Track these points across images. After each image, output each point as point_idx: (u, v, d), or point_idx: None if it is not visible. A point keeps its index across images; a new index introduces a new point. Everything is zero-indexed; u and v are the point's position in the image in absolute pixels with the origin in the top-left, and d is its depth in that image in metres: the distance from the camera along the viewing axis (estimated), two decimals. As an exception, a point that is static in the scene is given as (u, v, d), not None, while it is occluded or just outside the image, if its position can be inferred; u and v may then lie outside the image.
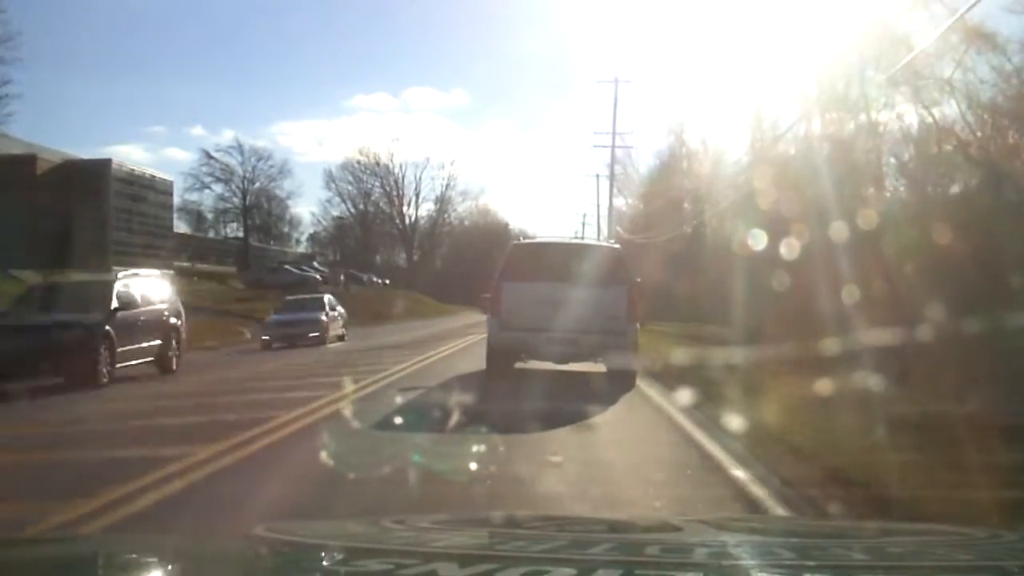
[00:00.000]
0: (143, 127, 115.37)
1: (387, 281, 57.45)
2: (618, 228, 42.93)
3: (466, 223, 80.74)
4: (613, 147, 40.44)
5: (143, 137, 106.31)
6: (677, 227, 35.96)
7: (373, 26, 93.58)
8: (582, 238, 64.11)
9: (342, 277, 45.32)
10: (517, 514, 2.90)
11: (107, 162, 46.00)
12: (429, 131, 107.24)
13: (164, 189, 52.85)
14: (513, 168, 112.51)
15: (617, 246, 15.24)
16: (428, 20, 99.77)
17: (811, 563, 1.55)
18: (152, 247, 49.56)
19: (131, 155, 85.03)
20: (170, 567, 1.59)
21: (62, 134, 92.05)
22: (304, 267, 44.15)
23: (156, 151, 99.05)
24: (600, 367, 12.77)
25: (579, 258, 13.02)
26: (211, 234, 69.19)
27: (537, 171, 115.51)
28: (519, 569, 1.39)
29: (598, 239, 57.31)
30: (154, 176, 52.27)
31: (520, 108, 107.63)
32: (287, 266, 44.42)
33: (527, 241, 16.52)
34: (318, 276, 42.15)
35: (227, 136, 62.60)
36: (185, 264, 63.99)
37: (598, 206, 56.25)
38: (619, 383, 11.55)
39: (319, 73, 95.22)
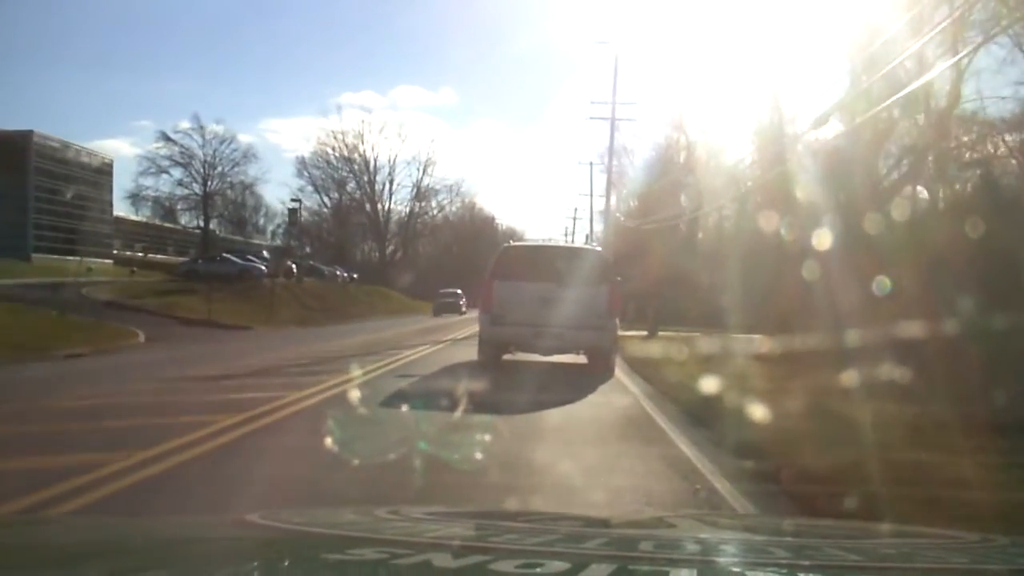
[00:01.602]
0: (130, 121, 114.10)
1: (355, 275, 51.68)
2: (618, 215, 37.86)
3: (450, 218, 75.65)
4: (613, 119, 34.84)
5: (131, 131, 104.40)
6: (674, 223, 33.28)
7: (361, 24, 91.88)
8: (572, 234, 61.97)
9: (293, 268, 39.51)
10: (511, 508, 3.25)
11: (28, 134, 40.24)
12: (417, 129, 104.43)
13: (102, 168, 47.12)
14: (502, 165, 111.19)
15: (599, 248, 16.67)
16: (416, 18, 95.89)
17: (805, 562, 1.53)
18: (85, 233, 43.89)
19: (119, 149, 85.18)
20: (162, 553, 1.54)
21: (48, 128, 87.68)
22: (249, 256, 38.44)
23: (143, 145, 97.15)
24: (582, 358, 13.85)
25: (564, 259, 13.95)
26: (183, 224, 63.89)
27: (526, 168, 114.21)
28: (513, 561, 1.33)
29: (590, 231, 54.71)
30: (91, 153, 46.59)
31: (509, 106, 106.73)
32: (226, 255, 38.63)
33: (517, 244, 17.59)
34: (263, 267, 36.39)
35: (214, 131, 60.97)
36: (138, 254, 58.56)
37: (591, 195, 52.91)
38: (600, 372, 12.76)
39: (307, 71, 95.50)
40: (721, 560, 1.58)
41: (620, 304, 14.48)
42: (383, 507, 2.01)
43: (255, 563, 1.49)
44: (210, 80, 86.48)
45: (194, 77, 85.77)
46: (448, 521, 2.00)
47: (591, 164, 52.92)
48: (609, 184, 35.75)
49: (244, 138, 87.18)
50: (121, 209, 60.22)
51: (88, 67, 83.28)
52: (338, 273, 48.06)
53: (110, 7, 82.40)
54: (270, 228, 75.07)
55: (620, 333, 15.65)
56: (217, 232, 68.01)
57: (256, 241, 69.38)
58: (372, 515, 1.96)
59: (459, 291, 46.79)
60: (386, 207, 65.57)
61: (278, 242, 70.46)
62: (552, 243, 23.79)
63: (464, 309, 44.41)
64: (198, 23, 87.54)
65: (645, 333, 21.04)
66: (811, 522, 3.54)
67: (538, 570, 1.30)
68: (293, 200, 43.27)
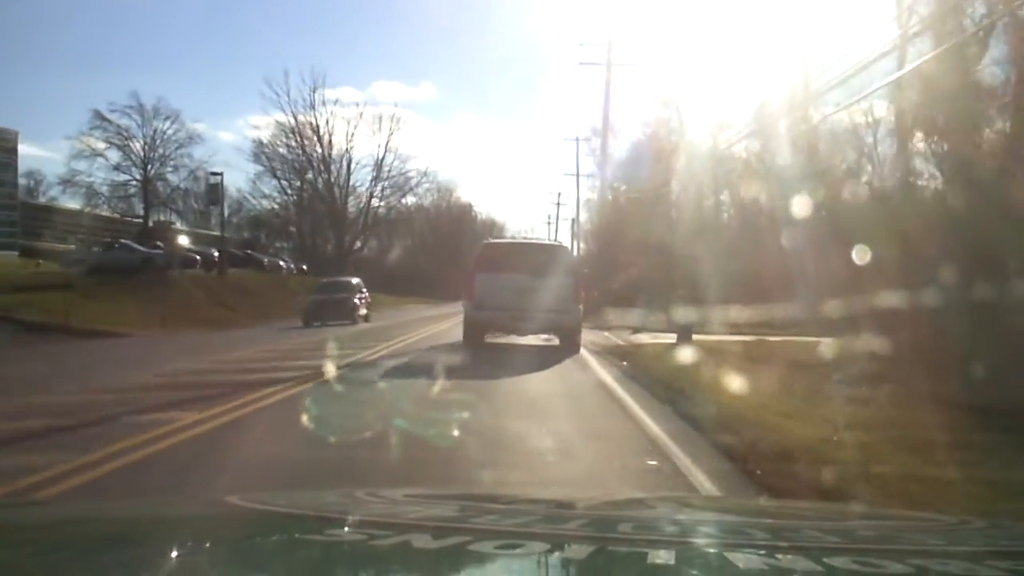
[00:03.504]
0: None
1: (304, 267, 44.98)
2: (616, 185, 34.92)
3: (425, 205, 69.43)
4: (609, 64, 28.70)
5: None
6: (664, 213, 31.16)
7: (338, 20, 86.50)
8: (556, 220, 58.58)
9: (216, 256, 32.80)
10: (490, 490, 3.18)
11: None
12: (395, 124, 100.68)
13: (2, 145, 40.18)
14: (484, 158, 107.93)
15: (566, 245, 21.66)
16: (394, 13, 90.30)
17: (783, 544, 1.48)
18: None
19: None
20: (141, 534, 1.54)
21: (23, 126, 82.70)
22: (159, 243, 31.67)
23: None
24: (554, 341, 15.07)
25: (537, 254, 15.88)
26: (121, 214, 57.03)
27: (508, 158, 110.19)
28: (492, 542, 1.32)
29: (577, 214, 49.72)
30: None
31: (489, 98, 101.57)
32: (125, 241, 31.79)
33: (496, 240, 20.75)
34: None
35: (196, 129, 56.41)
36: (70, 247, 51.85)
37: (577, 175, 48.49)
38: (568, 349, 14.10)
39: (285, 67, 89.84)
40: (699, 541, 1.56)
41: (583, 291, 15.85)
42: (362, 489, 1.95)
43: (234, 544, 1.47)
44: (187, 77, 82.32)
45: (170, 74, 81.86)
46: (427, 503, 1.98)
47: (577, 140, 48.06)
48: (605, 134, 30.03)
49: (224, 136, 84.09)
50: (71, 200, 54.09)
51: (60, 63, 78.51)
52: (282, 265, 41.28)
53: (82, 4, 76.72)
54: (235, 220, 69.05)
55: (634, 340, 16.49)
56: (179, 224, 61.54)
57: (217, 233, 62.94)
58: (351, 496, 1.95)
59: (354, 280, 29.51)
60: (344, 190, 58.45)
61: (246, 234, 64.25)
62: (527, 240, 26.60)
63: (364, 312, 27.72)
64: (170, 20, 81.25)
65: (674, 338, 14.73)
66: (789, 504, 3.51)
67: (517, 551, 1.30)
68: (214, 174, 36.10)
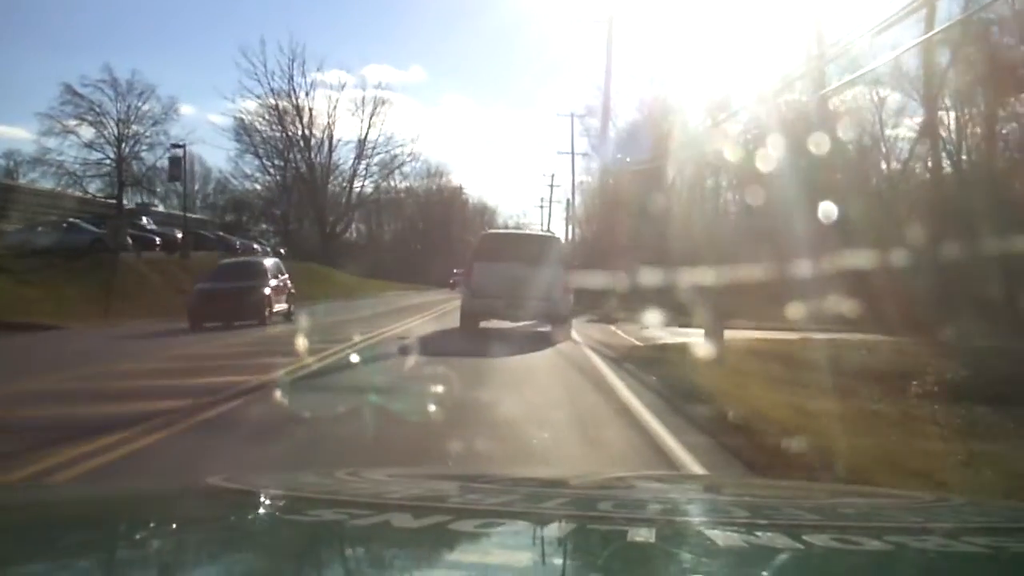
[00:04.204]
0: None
1: (283, 251, 42.51)
2: (619, 156, 32.65)
3: (414, 186, 67.13)
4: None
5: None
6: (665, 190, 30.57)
7: (328, 3, 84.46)
8: (550, 202, 58.53)
9: (178, 236, 30.27)
10: (470, 470, 3.19)
11: None
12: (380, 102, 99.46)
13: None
14: (475, 141, 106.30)
15: (558, 236, 21.88)
16: None
17: (763, 521, 1.50)
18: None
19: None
20: (124, 517, 1.55)
21: (7, 108, 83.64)
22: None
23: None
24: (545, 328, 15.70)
25: (530, 245, 16.90)
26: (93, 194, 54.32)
27: (500, 140, 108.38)
28: (473, 521, 1.34)
29: (572, 196, 47.79)
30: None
31: (480, 79, 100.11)
32: (75, 220, 29.15)
33: (494, 232, 22.31)
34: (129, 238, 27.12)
35: (185, 112, 58.96)
36: (37, 229, 49.34)
37: (572, 153, 47.40)
38: (558, 336, 14.74)
39: (273, 51, 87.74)
40: (680, 519, 1.58)
41: (572, 280, 16.62)
42: (343, 469, 1.95)
43: (216, 525, 1.47)
44: (177, 61, 79.73)
45: (159, 57, 78.36)
46: (408, 482, 1.96)
47: (572, 115, 46.45)
48: (607, 93, 28.45)
49: (215, 118, 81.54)
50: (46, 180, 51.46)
51: (45, 45, 75.11)
52: (256, 247, 38.80)
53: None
54: (218, 202, 66.48)
55: (649, 336, 15.40)
56: (160, 206, 58.98)
57: (198, 215, 60.44)
58: (332, 477, 1.93)
59: (267, 262, 21.65)
60: (325, 168, 55.70)
61: (228, 217, 61.71)
62: (522, 231, 27.81)
63: (284, 307, 20.19)
64: (165, 3, 79.98)
65: (693, 333, 12.86)
66: (769, 482, 3.52)
67: (498, 529, 1.31)
68: (176, 147, 33.09)
